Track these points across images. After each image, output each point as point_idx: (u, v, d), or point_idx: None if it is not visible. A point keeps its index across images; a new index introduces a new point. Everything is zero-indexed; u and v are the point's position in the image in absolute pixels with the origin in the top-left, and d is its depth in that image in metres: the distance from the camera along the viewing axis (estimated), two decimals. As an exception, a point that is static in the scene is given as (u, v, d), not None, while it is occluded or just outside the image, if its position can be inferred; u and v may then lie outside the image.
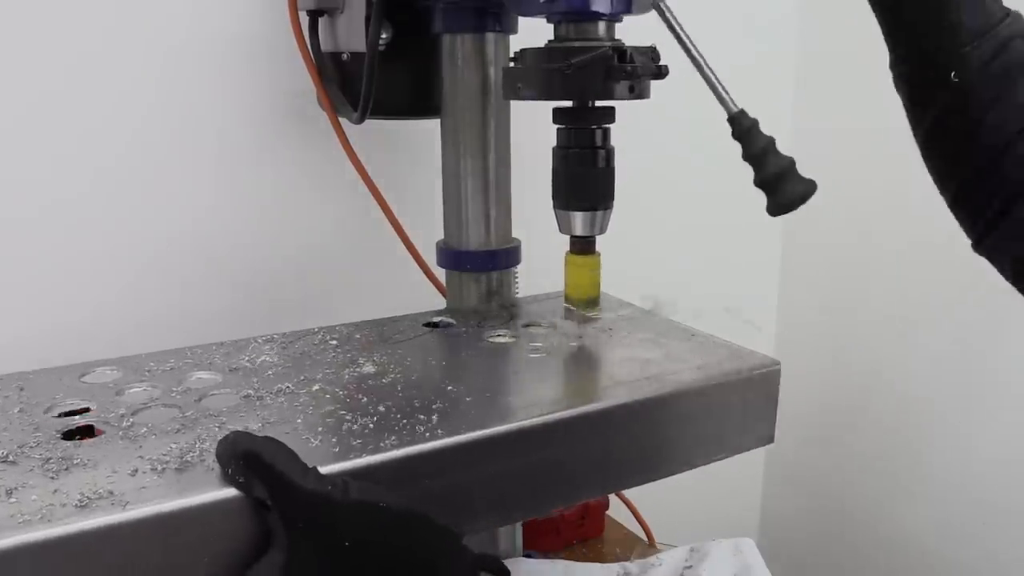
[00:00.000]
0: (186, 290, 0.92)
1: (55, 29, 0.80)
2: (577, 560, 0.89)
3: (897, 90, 0.65)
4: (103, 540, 0.42)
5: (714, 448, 0.65)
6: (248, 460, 0.44)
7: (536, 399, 0.59)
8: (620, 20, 0.67)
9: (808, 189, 0.59)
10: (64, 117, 0.82)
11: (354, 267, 1.02)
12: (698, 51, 0.62)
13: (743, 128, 0.60)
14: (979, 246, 0.63)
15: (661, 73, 0.65)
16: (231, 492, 0.45)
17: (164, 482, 0.46)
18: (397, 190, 0.89)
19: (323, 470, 0.47)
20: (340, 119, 0.83)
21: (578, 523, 0.98)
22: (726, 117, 0.61)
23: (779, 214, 0.60)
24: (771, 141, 0.60)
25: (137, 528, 0.43)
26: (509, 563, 0.84)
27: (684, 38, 0.62)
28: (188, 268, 0.91)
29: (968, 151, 0.60)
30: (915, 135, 0.65)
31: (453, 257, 0.82)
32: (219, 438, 0.47)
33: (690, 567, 0.84)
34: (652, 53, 0.65)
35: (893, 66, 0.64)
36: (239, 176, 0.93)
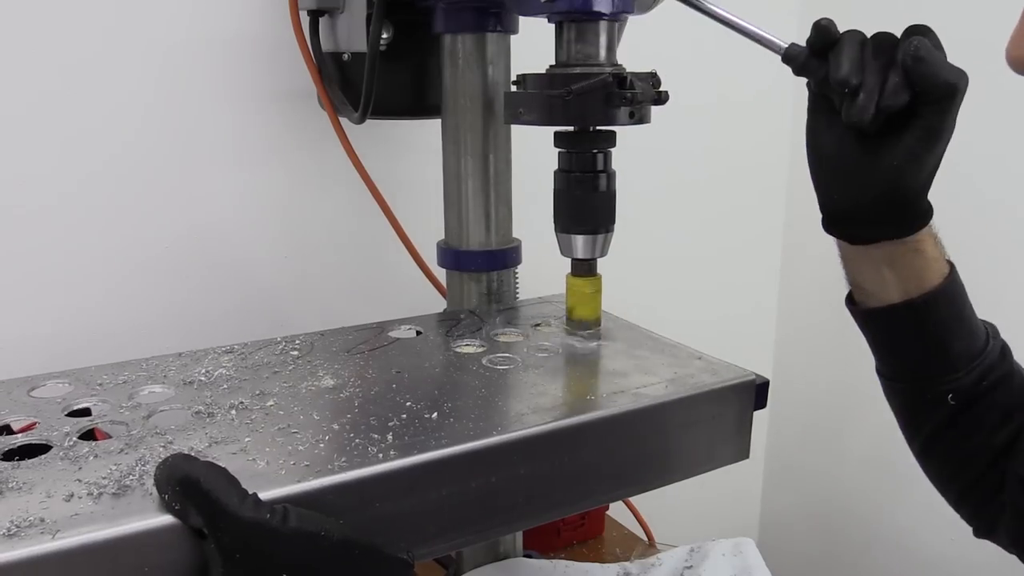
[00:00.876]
0: (185, 291, 0.92)
1: (57, 29, 0.80)
2: (577, 560, 0.89)
3: (888, 400, 0.70)
4: (30, 571, 0.40)
5: (690, 463, 0.63)
6: (184, 486, 0.42)
7: (499, 416, 0.56)
8: (621, 20, 0.67)
9: None
10: (64, 117, 0.82)
11: (354, 267, 1.02)
12: (725, 11, 0.62)
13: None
14: (987, 535, 0.70)
15: (661, 99, 0.65)
16: (167, 520, 0.43)
17: (99, 508, 0.44)
18: (397, 190, 0.89)
19: (266, 495, 0.45)
20: (340, 119, 0.83)
21: (578, 523, 0.98)
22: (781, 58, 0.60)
23: None
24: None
25: (66, 558, 0.41)
26: (509, 563, 0.84)
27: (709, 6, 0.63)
28: (187, 269, 0.91)
29: (967, 458, 0.67)
30: (910, 443, 0.71)
31: (453, 257, 0.82)
32: (162, 460, 0.45)
33: (690, 567, 0.84)
34: (652, 79, 0.66)
35: (884, 378, 0.69)
36: (239, 176, 0.93)
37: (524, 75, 0.68)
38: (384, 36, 0.75)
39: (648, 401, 0.59)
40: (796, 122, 1.40)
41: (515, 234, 0.84)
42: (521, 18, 0.76)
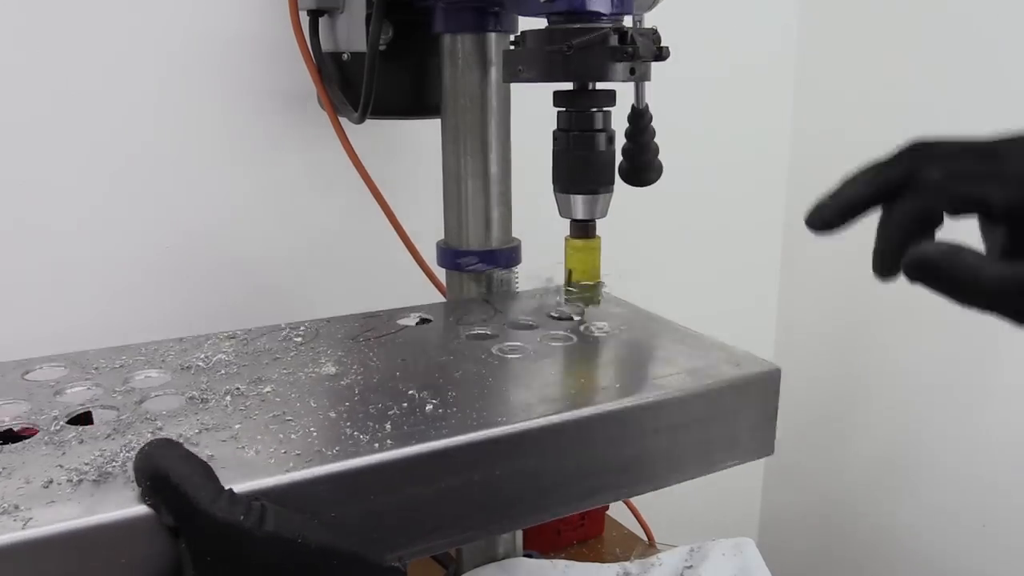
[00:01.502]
0: (186, 291, 0.92)
1: (56, 30, 0.80)
2: (577, 560, 0.89)
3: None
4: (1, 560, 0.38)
5: (708, 460, 0.60)
6: (155, 481, 0.40)
7: (506, 406, 0.54)
8: (621, 20, 0.67)
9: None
10: (65, 118, 0.82)
11: (354, 267, 1.02)
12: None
13: (645, 122, 0.72)
14: None
15: (662, 55, 0.64)
16: (145, 510, 0.41)
17: (76, 496, 0.41)
18: (397, 190, 0.89)
19: (252, 485, 0.42)
20: (340, 119, 0.83)
21: (578, 523, 0.98)
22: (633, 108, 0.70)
23: (639, 186, 0.73)
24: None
25: (37, 548, 0.39)
26: (509, 563, 0.84)
27: None
28: (188, 269, 0.91)
29: None
30: None
31: (453, 257, 0.82)
32: (140, 448, 0.43)
33: (690, 567, 0.84)
34: (653, 35, 0.64)
35: None
36: (239, 176, 0.93)
37: (523, 32, 0.66)
38: (384, 36, 0.75)
39: (666, 393, 0.56)
40: (797, 113, 1.40)
41: (515, 234, 0.84)
42: (521, 18, 0.76)
